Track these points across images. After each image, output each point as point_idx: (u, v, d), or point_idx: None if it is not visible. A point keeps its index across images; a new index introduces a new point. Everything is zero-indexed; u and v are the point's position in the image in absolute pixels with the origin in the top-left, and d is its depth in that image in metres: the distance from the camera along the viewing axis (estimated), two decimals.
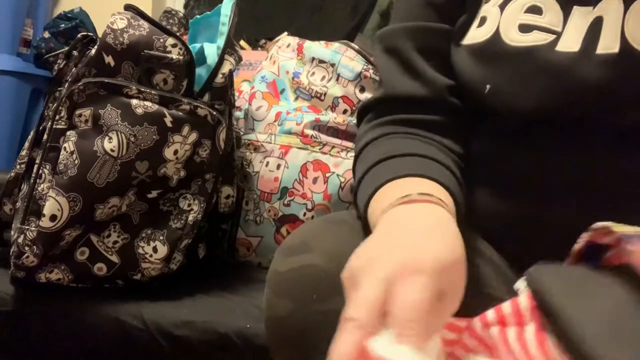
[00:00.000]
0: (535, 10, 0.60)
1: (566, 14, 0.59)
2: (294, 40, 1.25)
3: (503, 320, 0.42)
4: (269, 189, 1.14)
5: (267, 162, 1.15)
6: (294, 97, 1.21)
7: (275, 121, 1.17)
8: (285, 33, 1.42)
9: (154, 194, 0.98)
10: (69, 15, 1.97)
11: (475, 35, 0.64)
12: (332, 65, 1.19)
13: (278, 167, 1.14)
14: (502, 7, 0.62)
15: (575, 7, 0.59)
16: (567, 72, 0.57)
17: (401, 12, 0.72)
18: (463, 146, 0.67)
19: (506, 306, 0.43)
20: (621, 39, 0.55)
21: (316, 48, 1.22)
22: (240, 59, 1.07)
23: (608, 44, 0.56)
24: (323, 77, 1.20)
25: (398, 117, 0.67)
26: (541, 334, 0.39)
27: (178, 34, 1.03)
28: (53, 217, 0.90)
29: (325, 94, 1.18)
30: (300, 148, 1.14)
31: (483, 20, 0.64)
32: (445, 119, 0.67)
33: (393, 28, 0.71)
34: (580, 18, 0.58)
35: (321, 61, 1.21)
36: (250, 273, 1.11)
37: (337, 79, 1.19)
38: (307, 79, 1.20)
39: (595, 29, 0.57)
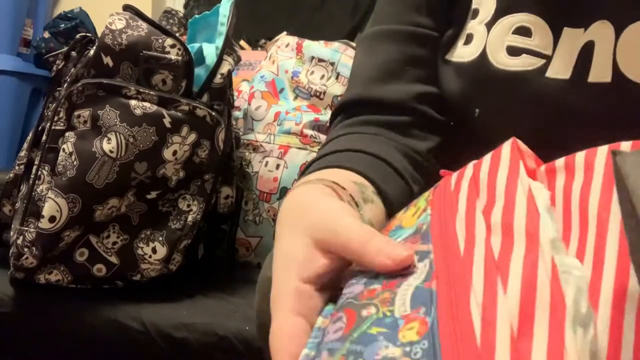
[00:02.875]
0: (524, 31, 0.58)
1: (556, 36, 0.57)
2: (293, 40, 1.25)
3: (571, 170, 0.39)
4: (268, 189, 1.14)
5: (267, 162, 1.15)
6: (293, 96, 1.21)
7: (274, 121, 1.17)
8: (285, 32, 1.42)
9: (153, 194, 0.97)
10: (69, 15, 1.97)
11: (462, 53, 0.62)
12: (332, 64, 1.19)
13: (277, 167, 1.14)
14: (489, 25, 0.60)
15: (565, 28, 0.56)
16: (559, 100, 0.55)
17: (383, 14, 0.70)
18: (431, 145, 0.65)
19: (580, 157, 0.40)
20: (613, 67, 0.54)
21: (315, 47, 1.22)
22: (239, 59, 1.06)
23: (600, 73, 0.54)
24: (322, 76, 1.20)
25: (365, 118, 0.66)
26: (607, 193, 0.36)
27: (178, 34, 1.03)
28: (52, 219, 0.90)
29: (324, 93, 1.18)
30: (299, 148, 1.14)
31: (470, 38, 0.62)
32: (411, 120, 0.65)
33: (375, 30, 0.68)
34: (571, 42, 0.56)
35: (320, 60, 1.20)
36: (249, 273, 1.10)
37: (337, 78, 1.18)
38: (306, 77, 1.20)
39: (586, 55, 0.55)
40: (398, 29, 0.67)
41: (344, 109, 0.68)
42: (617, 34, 0.54)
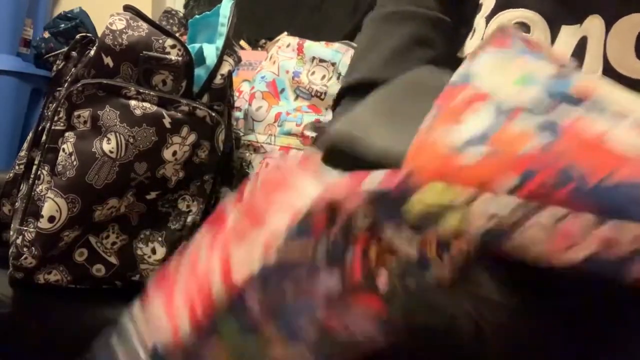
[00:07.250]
0: (522, 28, 0.59)
1: (554, 34, 0.58)
2: (294, 40, 1.25)
3: None
4: None
5: (267, 164, 1.14)
6: (294, 97, 1.21)
7: (275, 122, 1.17)
8: (285, 33, 1.42)
9: (152, 195, 0.97)
10: (69, 15, 1.97)
11: (467, 47, 0.63)
12: (333, 64, 1.19)
13: None
14: (488, 19, 0.60)
15: (563, 26, 0.58)
16: None
17: None
18: None
19: None
20: (604, 60, 0.55)
21: (316, 47, 1.22)
22: (239, 59, 1.06)
23: (591, 66, 0.55)
24: (323, 76, 1.20)
25: None
26: None
27: (178, 34, 1.03)
28: (52, 219, 0.90)
29: (325, 93, 1.18)
30: (300, 149, 1.14)
31: (473, 32, 0.63)
32: None
33: (386, 11, 0.68)
34: (567, 38, 0.57)
35: (322, 60, 1.20)
36: None
37: (338, 78, 1.18)
38: (307, 78, 1.20)
39: (580, 50, 0.56)
40: (407, 10, 0.66)
41: (353, 90, 0.67)
42: (607, 29, 0.55)
